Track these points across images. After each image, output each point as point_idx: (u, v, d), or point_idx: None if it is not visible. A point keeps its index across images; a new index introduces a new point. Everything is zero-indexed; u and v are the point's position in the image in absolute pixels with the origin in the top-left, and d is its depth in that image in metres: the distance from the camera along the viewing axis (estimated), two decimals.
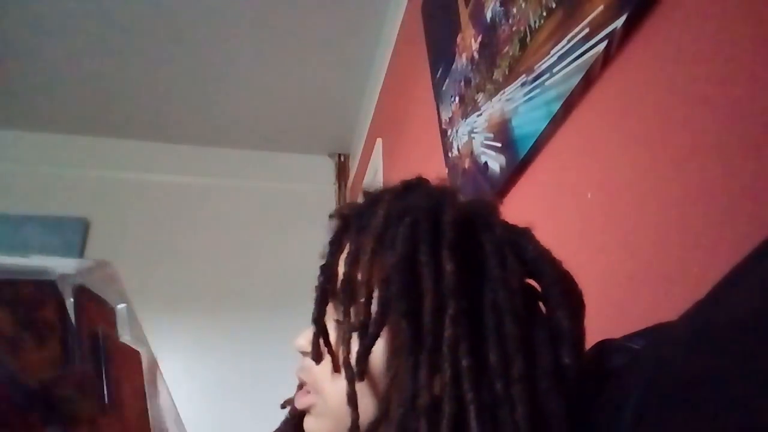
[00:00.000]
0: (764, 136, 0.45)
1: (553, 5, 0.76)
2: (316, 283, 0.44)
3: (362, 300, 0.39)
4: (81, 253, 2.39)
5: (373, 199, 0.45)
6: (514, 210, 0.95)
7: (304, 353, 0.44)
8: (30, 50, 2.09)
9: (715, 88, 0.51)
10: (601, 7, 0.65)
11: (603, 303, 0.66)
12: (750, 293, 0.24)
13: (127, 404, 0.40)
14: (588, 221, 0.70)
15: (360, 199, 0.47)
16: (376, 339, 0.38)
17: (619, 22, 0.62)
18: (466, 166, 1.11)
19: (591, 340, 0.41)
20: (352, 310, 0.40)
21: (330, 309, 0.44)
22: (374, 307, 0.39)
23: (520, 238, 0.43)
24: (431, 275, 0.37)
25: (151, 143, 2.65)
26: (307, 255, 0.51)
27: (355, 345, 0.39)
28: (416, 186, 0.46)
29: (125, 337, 0.45)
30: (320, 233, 0.50)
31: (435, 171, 1.43)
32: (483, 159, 1.02)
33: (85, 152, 2.57)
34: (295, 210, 2.60)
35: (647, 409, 0.28)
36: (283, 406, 0.48)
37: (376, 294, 0.39)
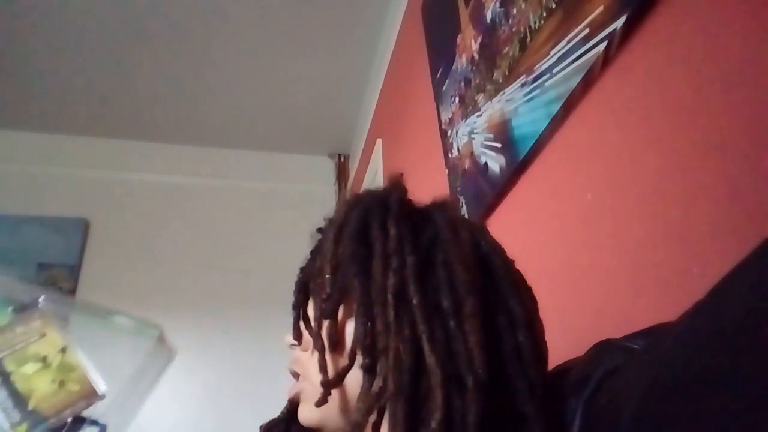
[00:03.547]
0: (765, 136, 0.45)
1: (553, 6, 0.76)
2: (296, 280, 0.49)
3: (327, 276, 0.42)
4: (81, 253, 2.39)
5: (342, 202, 0.50)
6: (515, 211, 0.95)
7: (292, 345, 0.48)
8: (30, 51, 2.09)
9: (715, 88, 0.51)
10: (601, 8, 0.65)
11: (603, 303, 0.66)
12: (750, 293, 0.24)
13: None
14: (588, 222, 0.70)
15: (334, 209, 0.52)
16: (338, 304, 0.41)
17: (619, 23, 0.62)
18: (466, 167, 1.11)
19: (592, 340, 0.41)
20: (320, 291, 0.43)
21: (311, 303, 0.47)
22: (336, 280, 0.42)
23: (475, 230, 0.45)
24: (380, 241, 0.41)
25: (151, 144, 2.65)
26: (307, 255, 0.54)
27: (326, 322, 0.42)
28: (378, 188, 0.50)
29: None
30: None
31: (435, 171, 1.42)
32: (483, 159, 1.02)
33: (85, 152, 2.57)
34: (295, 210, 2.60)
35: (647, 411, 0.28)
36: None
37: (338, 270, 0.42)
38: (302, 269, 0.50)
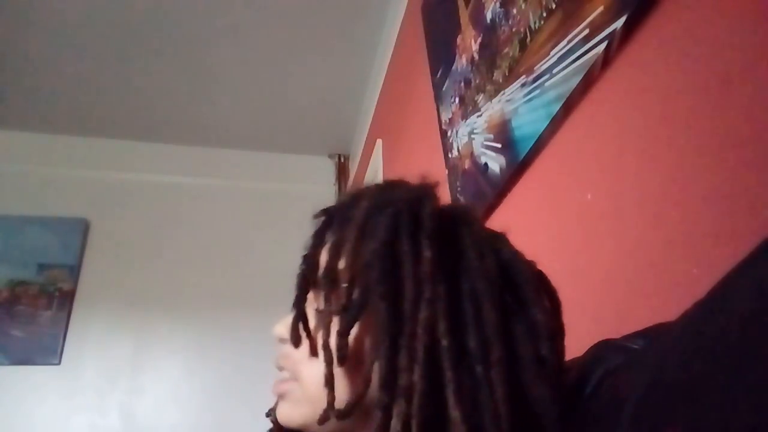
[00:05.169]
0: (765, 137, 0.45)
1: (553, 6, 0.76)
2: (297, 271, 0.45)
3: (345, 285, 0.40)
4: (81, 253, 2.39)
5: (357, 194, 0.46)
6: (514, 211, 0.95)
7: (282, 340, 0.45)
8: (29, 51, 2.09)
9: (715, 88, 0.51)
10: (601, 8, 0.65)
11: (603, 303, 0.66)
12: (749, 293, 0.24)
13: None
14: (588, 222, 0.70)
15: (344, 198, 0.48)
16: (356, 321, 0.39)
17: (619, 23, 0.62)
18: (466, 167, 1.11)
19: (591, 340, 0.41)
20: (333, 296, 0.41)
21: (310, 298, 0.44)
22: (356, 293, 0.40)
23: (496, 239, 0.44)
24: (410, 261, 0.38)
25: (151, 144, 2.65)
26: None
27: (334, 329, 0.39)
28: (399, 183, 0.48)
29: None
30: None
31: (435, 172, 1.43)
32: (483, 160, 1.02)
33: (85, 152, 2.57)
34: (295, 211, 2.60)
35: (646, 410, 0.28)
36: (268, 415, 0.47)
37: (358, 281, 0.40)
38: (305, 258, 0.45)
